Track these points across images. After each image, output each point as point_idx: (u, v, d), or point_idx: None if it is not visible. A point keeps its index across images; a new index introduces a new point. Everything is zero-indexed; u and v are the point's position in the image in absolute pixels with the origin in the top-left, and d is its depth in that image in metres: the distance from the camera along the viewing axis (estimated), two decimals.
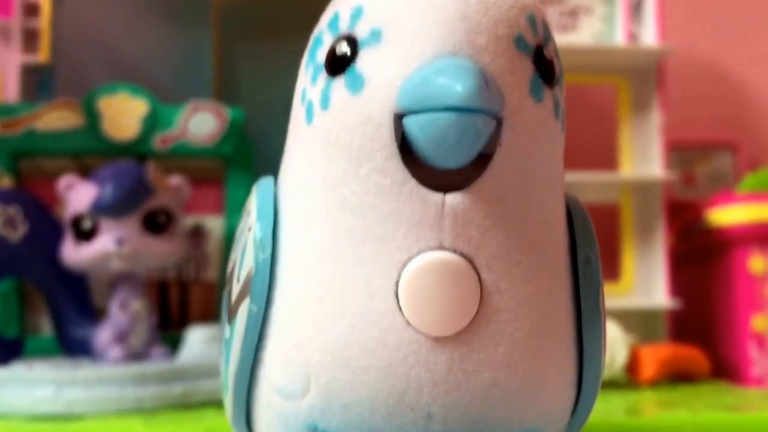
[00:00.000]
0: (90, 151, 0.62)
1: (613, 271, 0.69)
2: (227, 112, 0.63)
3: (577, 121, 0.67)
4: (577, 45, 0.67)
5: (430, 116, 0.20)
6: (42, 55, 0.66)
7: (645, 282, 0.68)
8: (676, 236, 0.72)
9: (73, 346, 0.57)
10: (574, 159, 0.65)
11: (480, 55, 0.20)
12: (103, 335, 0.54)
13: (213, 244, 0.64)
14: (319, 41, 0.23)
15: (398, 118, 0.21)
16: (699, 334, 0.69)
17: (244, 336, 0.23)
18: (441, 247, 0.21)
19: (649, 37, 0.67)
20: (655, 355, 0.60)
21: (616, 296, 0.67)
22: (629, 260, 0.69)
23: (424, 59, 0.20)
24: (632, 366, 0.60)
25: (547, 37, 0.22)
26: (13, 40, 0.66)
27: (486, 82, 0.20)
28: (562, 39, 0.69)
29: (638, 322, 0.68)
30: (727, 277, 0.65)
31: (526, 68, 0.21)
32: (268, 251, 0.23)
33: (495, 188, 0.21)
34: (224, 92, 0.68)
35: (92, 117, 0.61)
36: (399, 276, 0.21)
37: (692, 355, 0.62)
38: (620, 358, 0.58)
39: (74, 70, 0.67)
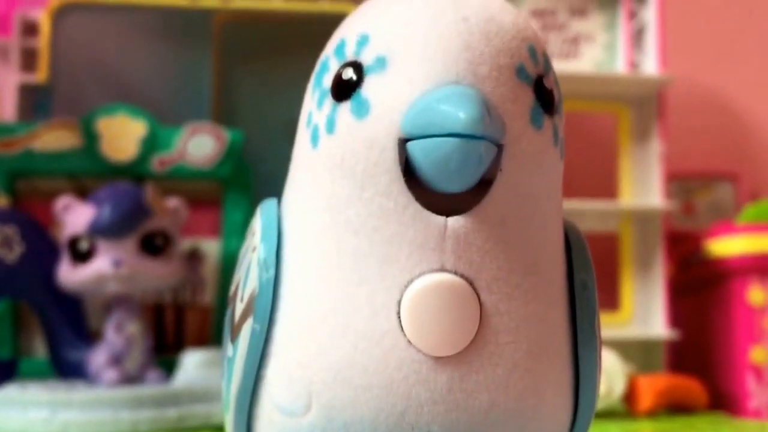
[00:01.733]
0: (88, 172, 0.62)
1: (612, 301, 0.69)
2: (226, 135, 0.63)
3: (577, 149, 0.67)
4: (578, 72, 0.67)
5: (433, 141, 0.20)
6: (40, 75, 0.66)
7: (644, 312, 0.68)
8: (676, 266, 0.72)
9: (67, 369, 0.56)
10: (574, 187, 0.65)
11: (482, 84, 0.21)
12: (98, 358, 0.54)
13: (210, 268, 0.63)
14: (325, 67, 0.23)
15: (402, 143, 0.21)
16: (697, 364, 0.69)
17: (247, 355, 0.24)
18: (443, 269, 0.22)
19: (651, 66, 0.68)
20: (653, 386, 0.60)
21: (614, 326, 0.67)
22: (628, 290, 0.68)
23: (428, 86, 0.21)
24: (630, 396, 0.59)
25: (548, 67, 0.23)
26: (12, 59, 0.66)
27: (488, 109, 0.20)
28: (563, 66, 0.69)
29: (637, 352, 0.68)
30: (726, 308, 0.65)
31: (526, 97, 0.22)
32: (272, 271, 0.23)
33: (495, 212, 0.22)
34: (223, 114, 0.68)
35: (90, 138, 0.61)
36: (401, 296, 0.22)
37: (690, 386, 0.62)
38: (618, 388, 0.58)
39: (73, 90, 0.67)
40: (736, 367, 0.63)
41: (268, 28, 0.69)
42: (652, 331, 0.67)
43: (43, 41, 0.66)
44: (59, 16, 0.66)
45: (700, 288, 0.69)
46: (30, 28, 0.67)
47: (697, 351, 0.70)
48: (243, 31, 0.69)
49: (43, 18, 0.66)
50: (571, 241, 0.25)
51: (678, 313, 0.69)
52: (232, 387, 0.25)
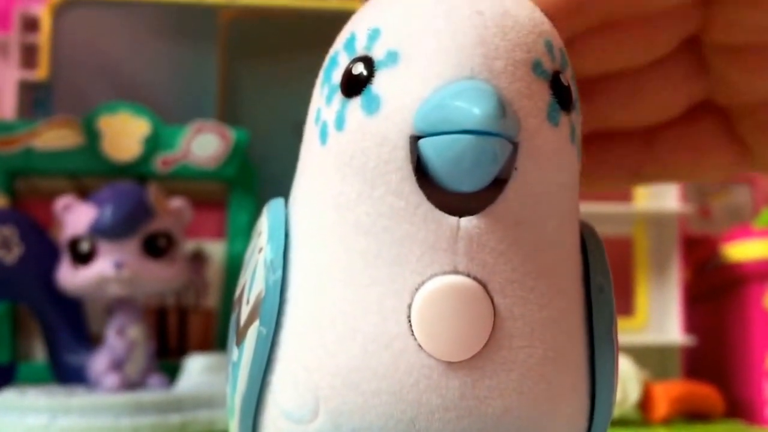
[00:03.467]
0: (89, 172, 0.61)
1: (626, 306, 0.68)
2: (231, 134, 0.62)
3: None
4: None
5: (446, 139, 0.20)
6: (41, 72, 0.65)
7: (659, 318, 0.67)
8: (691, 271, 0.71)
9: (67, 373, 0.56)
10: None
11: (497, 79, 0.20)
12: (98, 362, 0.53)
13: (214, 270, 0.62)
14: (334, 62, 0.23)
15: (414, 140, 0.20)
16: (713, 371, 0.68)
17: (253, 359, 0.23)
18: (455, 271, 0.21)
19: None
20: (669, 393, 0.59)
21: (629, 332, 0.66)
22: (643, 295, 0.68)
23: (441, 82, 0.20)
24: (645, 403, 0.59)
25: (564, 63, 0.22)
26: (12, 55, 0.65)
27: (503, 105, 0.20)
28: None
29: (652, 358, 0.67)
30: (742, 313, 0.64)
31: (543, 93, 0.21)
32: (279, 273, 0.23)
33: (510, 213, 0.21)
34: (228, 113, 0.68)
35: (92, 136, 0.60)
36: (412, 299, 0.21)
37: (706, 393, 0.62)
38: (633, 395, 0.58)
39: (74, 87, 0.66)
40: (753, 374, 0.63)
41: (276, 25, 0.68)
42: (668, 337, 0.66)
43: (43, 37, 0.65)
44: (60, 11, 0.66)
45: (716, 293, 0.69)
46: (30, 24, 0.66)
47: (714, 357, 0.69)
48: (249, 28, 0.69)
49: (43, 14, 0.65)
50: (587, 243, 0.24)
51: (694, 319, 0.68)
52: (237, 392, 0.24)
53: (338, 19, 0.25)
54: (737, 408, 0.64)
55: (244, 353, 0.23)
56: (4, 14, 0.67)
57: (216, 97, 0.68)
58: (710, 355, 0.69)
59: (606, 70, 0.27)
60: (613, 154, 0.29)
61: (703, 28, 0.26)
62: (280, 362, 0.22)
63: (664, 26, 0.26)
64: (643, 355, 0.65)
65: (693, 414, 0.61)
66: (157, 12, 0.68)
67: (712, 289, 0.69)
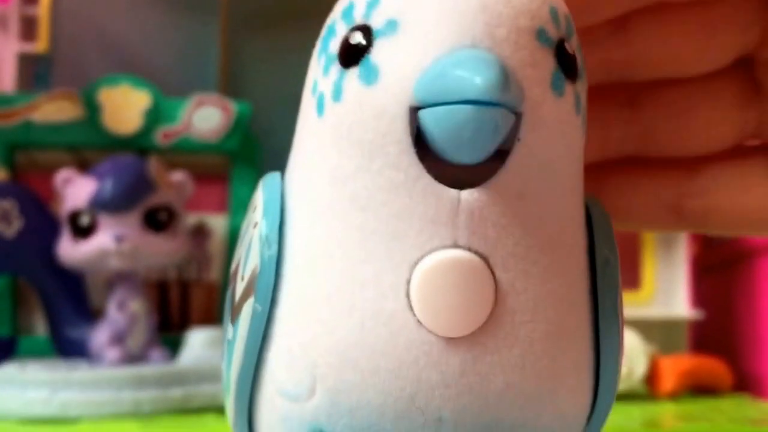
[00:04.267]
0: (89, 145, 0.61)
1: (633, 280, 0.68)
2: (233, 107, 0.61)
3: None
4: None
5: (446, 109, 0.19)
6: (40, 44, 0.64)
7: (666, 291, 0.67)
8: (699, 244, 0.71)
9: (68, 347, 0.56)
10: None
11: (500, 48, 0.20)
12: (99, 336, 0.53)
13: (216, 244, 0.62)
14: (332, 31, 0.22)
15: (414, 111, 0.20)
16: (721, 345, 0.68)
17: (248, 336, 0.23)
18: (455, 245, 0.20)
19: None
20: (676, 367, 0.59)
21: (635, 305, 0.66)
22: (650, 268, 0.67)
23: (441, 51, 0.20)
24: (652, 377, 0.59)
25: (570, 30, 0.22)
26: (11, 27, 0.64)
27: (506, 75, 0.19)
28: None
29: (659, 332, 0.66)
30: (750, 287, 0.64)
31: (547, 62, 0.21)
32: (275, 248, 0.22)
33: (512, 185, 0.21)
34: (230, 85, 0.67)
35: (92, 109, 0.60)
36: (411, 274, 0.21)
37: (714, 367, 0.61)
38: (640, 370, 0.57)
39: (74, 60, 0.66)
40: (762, 347, 0.62)
41: None
42: (675, 311, 0.66)
43: (43, 9, 0.64)
44: None
45: (724, 266, 0.68)
46: None
47: (721, 331, 0.69)
48: (252, 1, 0.68)
49: None
50: (592, 215, 0.23)
51: (702, 292, 0.68)
52: (233, 370, 0.24)
53: None
54: (745, 382, 0.64)
55: (239, 330, 0.23)
56: None
57: (218, 70, 0.67)
58: (718, 328, 0.69)
59: (658, 68, 0.25)
60: (651, 180, 0.27)
61: (760, 46, 0.25)
62: (275, 339, 0.22)
63: (723, 28, 0.24)
64: (649, 329, 0.64)
65: (700, 388, 0.61)
66: None
67: (720, 263, 0.69)
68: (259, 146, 0.63)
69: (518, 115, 0.20)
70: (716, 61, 0.25)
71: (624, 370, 0.56)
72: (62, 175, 0.54)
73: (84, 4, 0.66)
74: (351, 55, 0.21)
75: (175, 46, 0.68)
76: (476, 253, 0.20)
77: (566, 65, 0.21)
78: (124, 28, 0.67)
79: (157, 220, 0.54)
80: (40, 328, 0.60)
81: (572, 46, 0.21)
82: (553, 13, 0.21)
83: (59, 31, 0.65)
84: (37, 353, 0.58)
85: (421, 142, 0.20)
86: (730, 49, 0.25)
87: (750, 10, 0.24)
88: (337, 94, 0.21)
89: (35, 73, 0.65)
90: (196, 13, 0.68)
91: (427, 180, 0.20)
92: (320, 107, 0.22)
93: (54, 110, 0.59)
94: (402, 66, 0.20)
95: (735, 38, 0.25)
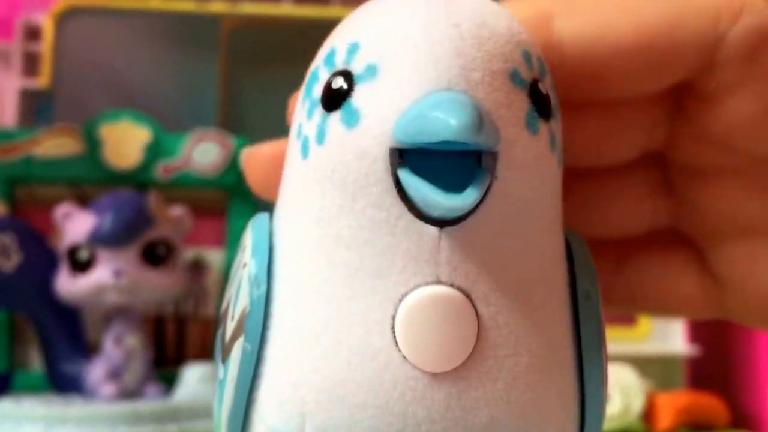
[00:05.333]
0: (89, 180, 0.61)
1: (629, 316, 0.67)
2: (232, 142, 0.62)
3: None
4: None
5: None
6: (42, 80, 0.65)
7: (662, 327, 0.67)
8: None
9: (64, 382, 0.56)
10: None
11: (475, 90, 0.20)
12: (95, 371, 0.53)
13: (213, 278, 0.62)
14: (315, 76, 0.23)
15: (394, 152, 0.20)
16: (718, 382, 0.68)
17: (238, 376, 0.23)
18: (438, 282, 0.21)
19: None
20: (673, 403, 0.59)
21: (632, 342, 0.66)
22: None
23: (419, 94, 0.20)
24: (649, 414, 0.59)
25: (543, 71, 0.22)
26: (13, 63, 0.65)
27: (480, 116, 0.20)
28: None
29: (655, 368, 0.66)
30: None
31: (521, 102, 0.21)
32: (264, 288, 0.23)
33: (492, 222, 0.21)
34: (229, 121, 0.68)
35: (92, 144, 0.60)
36: (395, 310, 0.21)
37: (711, 404, 0.61)
38: (636, 406, 0.57)
39: (75, 95, 0.66)
40: (758, 384, 0.62)
41: (277, 34, 0.69)
42: (671, 347, 0.66)
43: (45, 45, 0.65)
44: (63, 20, 0.66)
45: None
46: (33, 32, 0.66)
47: (718, 367, 0.69)
48: (251, 37, 0.69)
49: (46, 22, 0.66)
50: (572, 249, 0.24)
51: (698, 328, 0.68)
52: (223, 409, 0.24)
53: None
54: (742, 419, 0.64)
55: (230, 370, 0.23)
56: (6, 22, 0.67)
57: (217, 106, 0.68)
58: (715, 365, 0.69)
59: (574, 157, 0.26)
60: None
61: (668, 145, 0.26)
62: (265, 378, 0.22)
63: (624, 128, 0.26)
64: (646, 365, 0.64)
65: (697, 425, 0.60)
66: (159, 21, 0.68)
67: None
68: None
69: (494, 155, 0.20)
70: (620, 157, 0.26)
71: (620, 406, 0.56)
72: (62, 210, 0.54)
73: (86, 41, 0.67)
74: (333, 100, 0.21)
75: (175, 82, 0.69)
76: (459, 288, 0.21)
77: (540, 105, 0.22)
78: (125, 64, 0.68)
79: (156, 255, 0.54)
80: (35, 363, 0.60)
81: (546, 86, 0.22)
82: (526, 56, 0.22)
83: (61, 67, 0.66)
84: (33, 388, 0.57)
85: (401, 182, 0.20)
86: (632, 147, 0.26)
87: (655, 114, 0.25)
88: (321, 137, 0.22)
89: (37, 108, 0.66)
90: (196, 50, 0.69)
91: (409, 218, 0.21)
92: (305, 150, 0.22)
93: (55, 145, 0.60)
94: (381, 109, 0.20)
95: (637, 138, 0.26)
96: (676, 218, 0.27)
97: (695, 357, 0.67)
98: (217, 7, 0.67)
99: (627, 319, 0.67)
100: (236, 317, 0.23)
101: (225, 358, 0.23)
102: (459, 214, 0.20)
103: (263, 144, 0.26)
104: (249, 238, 0.24)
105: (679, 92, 0.24)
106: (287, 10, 0.68)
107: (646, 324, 0.67)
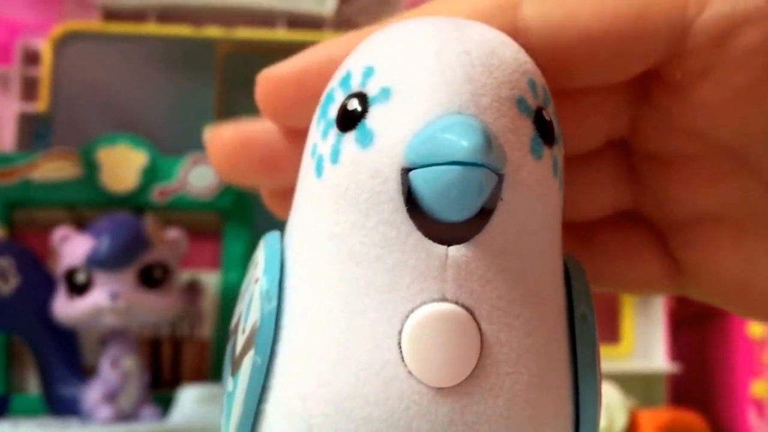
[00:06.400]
0: (86, 203, 0.62)
1: (612, 334, 0.68)
2: None
3: None
4: None
5: (435, 170, 0.20)
6: (41, 104, 0.66)
7: (644, 345, 0.68)
8: (676, 299, 0.71)
9: (61, 405, 0.56)
10: None
11: (484, 115, 0.21)
12: (92, 394, 0.54)
13: (209, 301, 0.63)
14: (330, 98, 0.23)
15: (405, 172, 0.21)
16: (699, 398, 0.68)
17: (247, 388, 0.23)
18: (443, 299, 0.21)
19: None
20: (655, 420, 0.59)
21: (615, 359, 0.67)
22: (629, 322, 0.68)
23: (431, 117, 0.21)
24: (631, 430, 0.59)
25: (547, 99, 0.23)
26: (12, 88, 0.66)
27: (489, 139, 0.20)
28: None
29: (637, 385, 0.67)
30: (726, 341, 0.65)
31: (526, 128, 0.22)
32: (275, 302, 0.23)
33: (496, 241, 0.22)
34: None
35: (90, 168, 0.61)
36: (402, 326, 0.21)
37: (692, 420, 0.62)
38: (619, 423, 0.58)
39: (73, 119, 0.67)
40: (737, 401, 0.63)
41: (271, 58, 0.66)
42: (653, 365, 0.66)
43: (44, 70, 0.66)
44: (61, 45, 0.66)
45: (700, 320, 0.69)
46: (31, 57, 0.67)
47: (699, 384, 0.69)
48: (246, 61, 0.69)
49: (44, 47, 0.66)
50: (571, 273, 0.24)
51: (679, 346, 0.68)
52: (231, 422, 0.24)
53: None
54: None
55: (239, 383, 0.24)
56: (5, 47, 0.67)
57: None
58: (696, 382, 0.70)
59: None
60: None
61: (632, 132, 0.26)
62: (274, 391, 0.23)
63: (590, 115, 0.26)
64: (628, 383, 0.65)
65: None
66: (156, 46, 0.69)
67: (696, 316, 0.69)
68: (252, 204, 0.64)
69: (501, 177, 0.21)
70: (586, 144, 0.27)
71: (604, 423, 0.57)
72: (60, 233, 0.55)
73: (84, 66, 0.67)
74: (348, 120, 0.22)
75: (171, 106, 0.69)
76: (463, 306, 0.21)
77: (544, 131, 0.22)
78: (123, 88, 0.69)
79: (152, 277, 0.54)
80: (32, 386, 0.60)
81: (549, 113, 0.23)
82: (532, 84, 0.23)
83: (59, 91, 0.66)
84: (30, 412, 0.58)
85: (412, 201, 0.21)
86: (595, 134, 0.26)
87: (617, 101, 0.26)
88: (335, 157, 0.22)
89: (35, 132, 0.67)
90: (192, 74, 0.69)
91: (418, 236, 0.21)
92: (319, 169, 0.23)
93: (53, 169, 0.61)
94: (395, 130, 0.21)
95: (599, 125, 0.26)
96: (639, 203, 0.27)
97: (676, 374, 0.67)
98: (213, 32, 0.68)
99: (610, 338, 0.68)
100: (247, 331, 0.24)
101: (235, 371, 0.24)
102: (475, 159, 0.20)
103: (226, 126, 0.27)
104: (261, 255, 0.25)
105: (644, 79, 0.25)
106: (281, 35, 0.69)
107: (628, 342, 0.68)
